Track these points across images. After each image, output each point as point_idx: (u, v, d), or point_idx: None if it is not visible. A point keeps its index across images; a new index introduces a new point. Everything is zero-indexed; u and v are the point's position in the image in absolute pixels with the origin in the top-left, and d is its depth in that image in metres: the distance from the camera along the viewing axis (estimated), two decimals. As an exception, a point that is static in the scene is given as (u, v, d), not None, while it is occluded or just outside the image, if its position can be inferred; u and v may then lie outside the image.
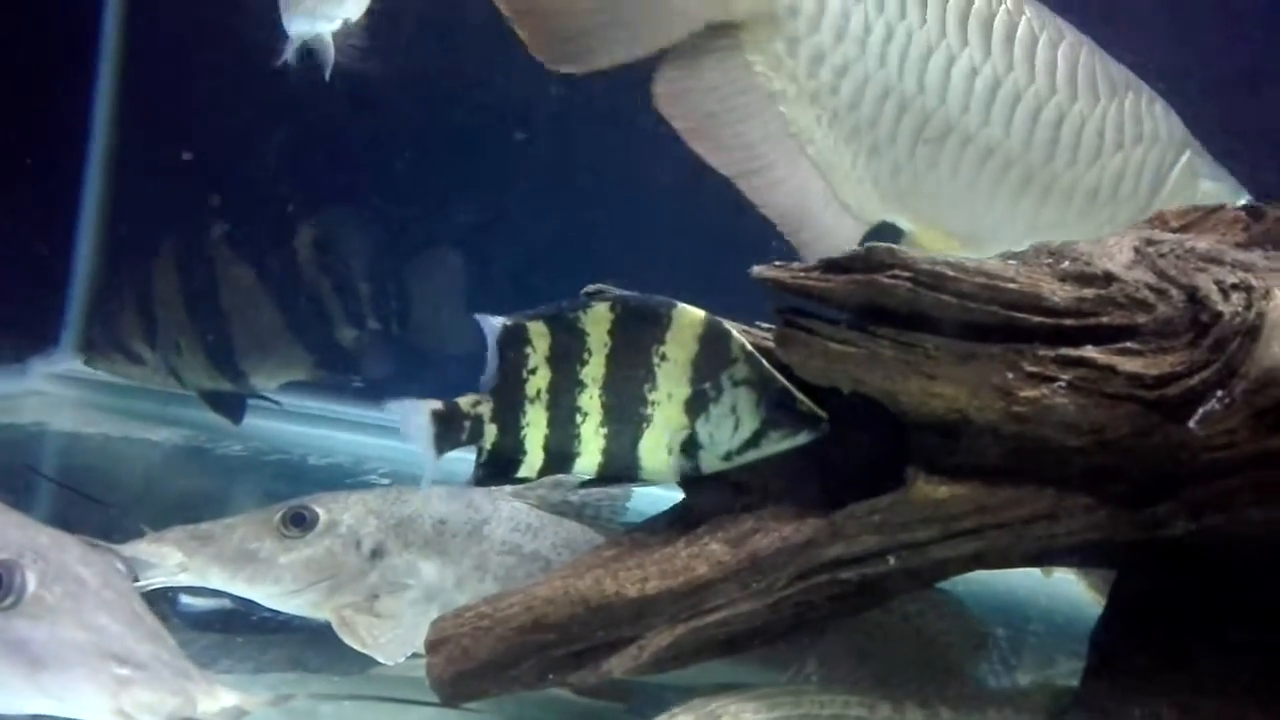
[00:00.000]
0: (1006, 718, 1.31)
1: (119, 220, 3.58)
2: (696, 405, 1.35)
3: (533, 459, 1.38)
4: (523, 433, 1.36)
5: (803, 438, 1.34)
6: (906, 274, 1.21)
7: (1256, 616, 1.42)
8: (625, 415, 1.36)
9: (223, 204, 3.22)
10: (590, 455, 1.38)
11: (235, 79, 3.36)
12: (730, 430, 1.35)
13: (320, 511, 1.54)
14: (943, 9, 1.75)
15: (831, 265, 1.25)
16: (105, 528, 1.56)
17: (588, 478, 1.40)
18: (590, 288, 1.44)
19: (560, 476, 1.46)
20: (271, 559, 1.51)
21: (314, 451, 3.06)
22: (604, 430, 1.36)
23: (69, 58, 3.55)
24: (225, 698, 1.04)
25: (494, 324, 1.35)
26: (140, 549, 1.50)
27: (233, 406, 3.09)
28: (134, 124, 3.58)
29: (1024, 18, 1.81)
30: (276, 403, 3.15)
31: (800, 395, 1.33)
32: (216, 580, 1.52)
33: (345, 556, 1.53)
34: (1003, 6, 1.79)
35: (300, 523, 1.53)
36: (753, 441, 1.35)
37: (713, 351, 1.34)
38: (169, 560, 1.50)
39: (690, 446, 1.37)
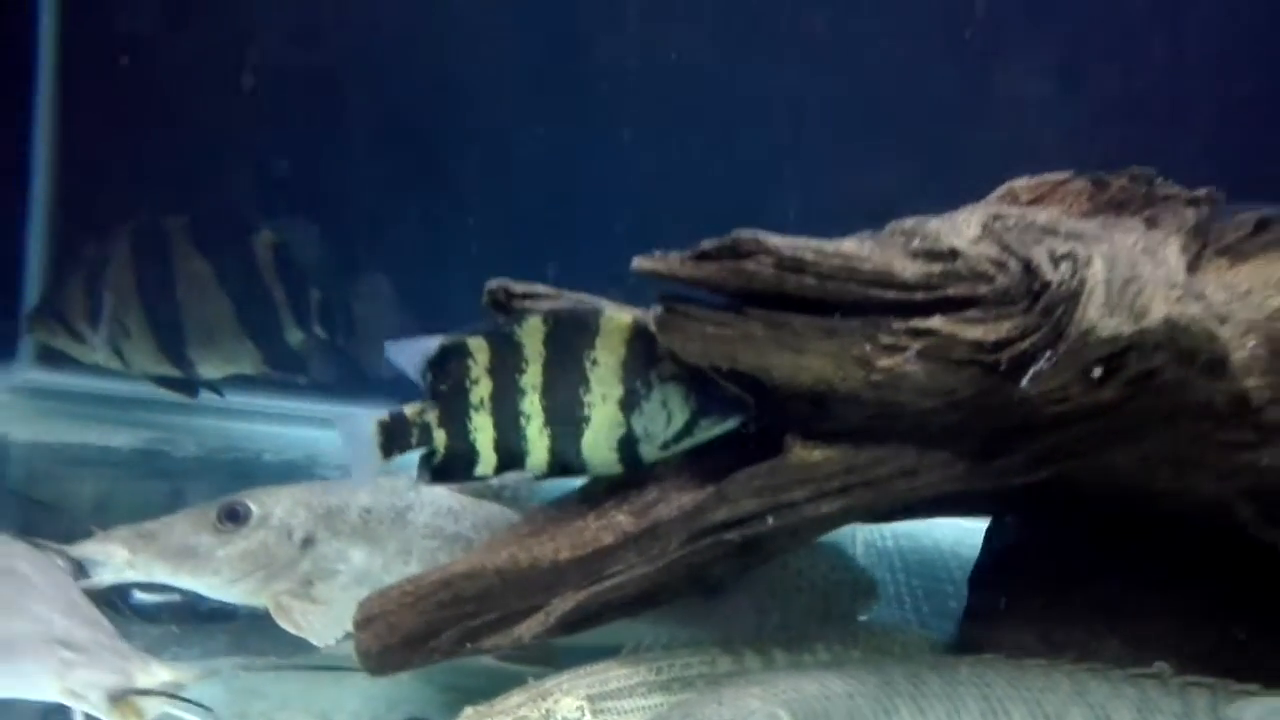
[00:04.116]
0: (837, 655, 1.44)
1: (71, 222, 3.62)
2: (630, 403, 1.46)
3: (487, 458, 1.50)
4: (472, 436, 1.48)
5: (731, 423, 1.46)
6: (770, 259, 1.32)
7: (1115, 553, 1.55)
8: (565, 417, 1.47)
9: (187, 197, 3.34)
10: (538, 454, 1.50)
11: (203, 73, 3.46)
12: (664, 423, 1.46)
13: (253, 506, 1.66)
14: None
15: (702, 255, 1.36)
16: (62, 531, 1.67)
17: (541, 473, 1.52)
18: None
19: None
20: (210, 552, 1.62)
21: (268, 448, 3.17)
22: (548, 431, 1.48)
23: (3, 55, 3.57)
24: (160, 673, 1.17)
25: (429, 345, 1.46)
26: (88, 549, 1.61)
27: (185, 385, 3.24)
28: (81, 115, 3.61)
29: None
30: (220, 393, 3.27)
31: (725, 383, 1.43)
32: (161, 574, 1.64)
33: (278, 547, 1.64)
34: None
35: (235, 517, 1.65)
36: (686, 430, 1.46)
37: (640, 352, 1.45)
38: (116, 558, 1.62)
39: (629, 441, 1.48)
